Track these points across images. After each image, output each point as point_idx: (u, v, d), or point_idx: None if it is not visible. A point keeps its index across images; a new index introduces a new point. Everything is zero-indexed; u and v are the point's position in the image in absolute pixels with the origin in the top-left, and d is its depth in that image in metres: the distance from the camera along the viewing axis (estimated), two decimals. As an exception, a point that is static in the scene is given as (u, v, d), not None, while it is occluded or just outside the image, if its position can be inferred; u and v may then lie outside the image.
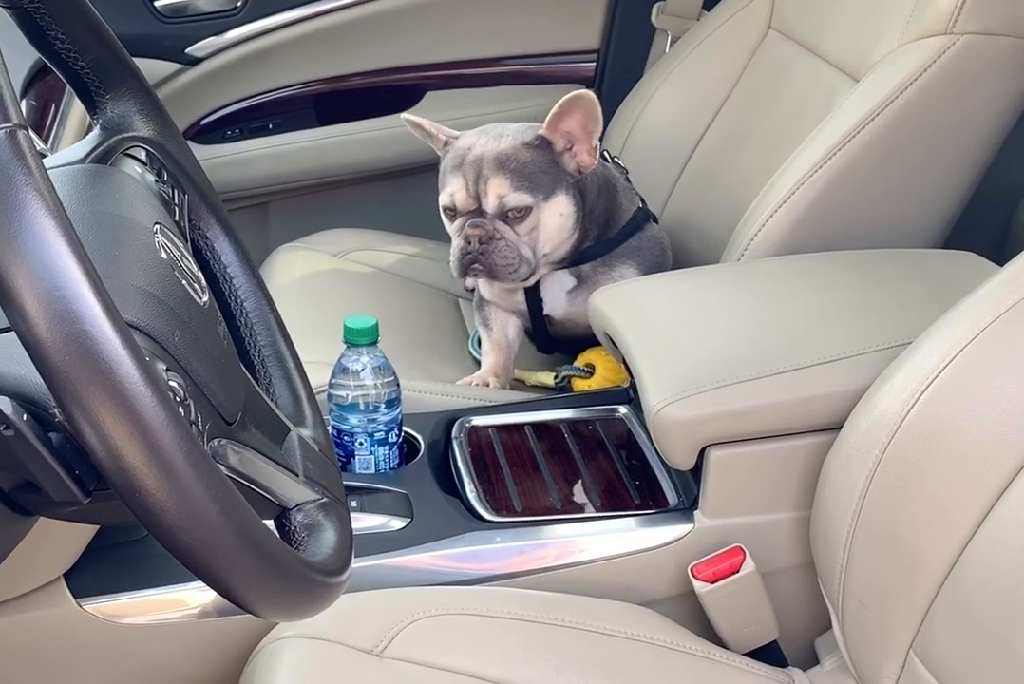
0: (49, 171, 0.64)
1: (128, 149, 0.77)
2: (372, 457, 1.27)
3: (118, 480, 0.54)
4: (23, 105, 1.49)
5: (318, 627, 1.06)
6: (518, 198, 1.44)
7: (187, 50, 1.95)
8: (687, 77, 1.87)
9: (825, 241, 1.39)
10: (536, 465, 1.29)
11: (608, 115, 1.96)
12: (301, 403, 0.83)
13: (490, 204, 1.44)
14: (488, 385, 1.54)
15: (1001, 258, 1.12)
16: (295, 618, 0.66)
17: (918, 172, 1.39)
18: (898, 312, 1.17)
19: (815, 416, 1.12)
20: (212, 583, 0.58)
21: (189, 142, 2.03)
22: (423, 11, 2.02)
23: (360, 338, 1.25)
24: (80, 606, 1.11)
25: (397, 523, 1.18)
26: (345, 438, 1.27)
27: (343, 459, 1.28)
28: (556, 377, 1.57)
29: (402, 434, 1.30)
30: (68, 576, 1.13)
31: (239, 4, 1.96)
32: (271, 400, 0.82)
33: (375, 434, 1.26)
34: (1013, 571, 0.91)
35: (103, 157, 0.75)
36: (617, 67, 2.08)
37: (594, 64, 2.11)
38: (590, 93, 1.43)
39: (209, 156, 2.03)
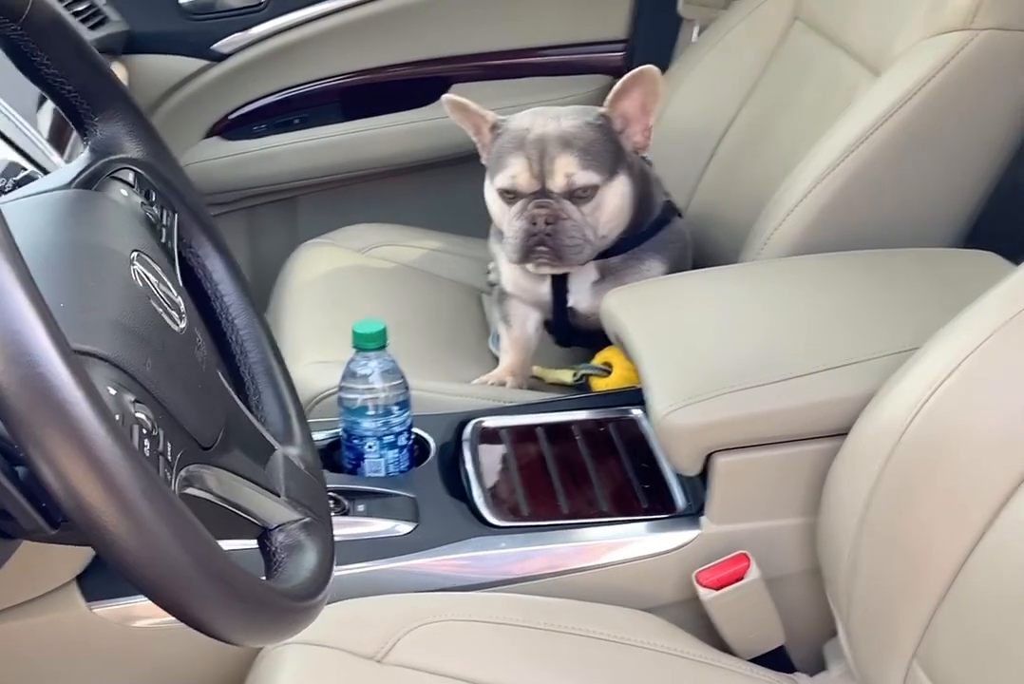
0: (33, 197, 0.65)
1: (115, 172, 0.78)
2: (382, 460, 1.28)
3: (77, 517, 0.54)
4: (48, 115, 1.50)
5: (320, 633, 1.06)
6: (586, 176, 1.41)
7: (213, 46, 1.97)
8: (714, 67, 1.85)
9: (843, 239, 1.37)
10: (545, 468, 1.28)
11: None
12: (290, 421, 0.83)
13: (557, 183, 1.41)
14: (504, 384, 1.53)
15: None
16: (268, 642, 0.67)
17: (937, 170, 1.37)
18: (909, 315, 1.16)
19: (822, 422, 1.11)
20: (176, 615, 0.59)
21: (217, 138, 2.08)
22: (447, 3, 2.02)
23: (368, 343, 1.26)
24: (91, 609, 1.12)
25: (403, 527, 1.19)
26: (355, 441, 1.27)
27: (353, 462, 1.28)
28: (574, 375, 1.57)
29: (412, 437, 1.30)
30: (80, 579, 1.15)
31: (264, 0, 1.97)
32: (260, 418, 0.83)
33: (384, 438, 1.27)
34: (1016, 580, 0.90)
35: (89, 181, 0.76)
36: (645, 57, 2.03)
37: (622, 54, 2.09)
38: (653, 69, 1.42)
39: (236, 151, 2.05)
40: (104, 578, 1.16)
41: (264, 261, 2.07)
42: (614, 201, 1.45)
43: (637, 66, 2.05)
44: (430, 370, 1.55)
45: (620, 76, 2.07)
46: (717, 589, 1.13)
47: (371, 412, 1.26)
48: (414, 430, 1.34)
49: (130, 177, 0.79)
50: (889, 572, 1.01)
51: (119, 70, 1.86)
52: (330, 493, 1.20)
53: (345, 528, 1.18)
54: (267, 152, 2.05)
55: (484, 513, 1.21)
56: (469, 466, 1.28)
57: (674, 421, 1.12)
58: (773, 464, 1.14)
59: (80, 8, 1.80)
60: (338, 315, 1.68)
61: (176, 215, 0.82)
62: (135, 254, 0.70)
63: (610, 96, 1.44)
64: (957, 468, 0.96)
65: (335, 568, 1.14)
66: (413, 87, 2.06)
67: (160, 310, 0.68)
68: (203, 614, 0.58)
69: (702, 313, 1.26)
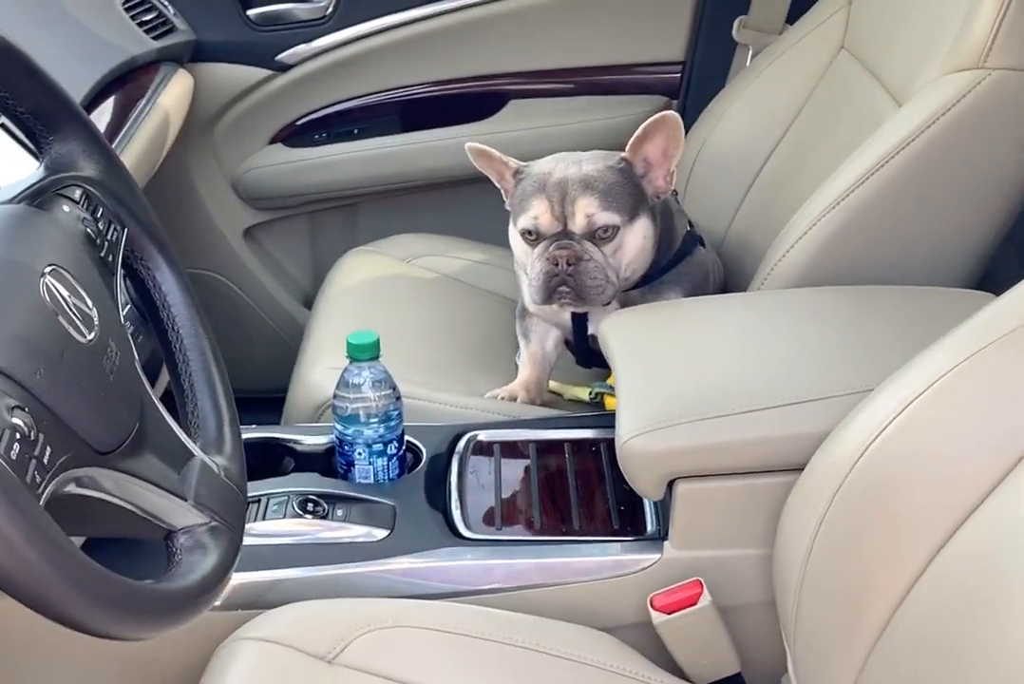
0: None
1: (62, 189, 0.83)
2: (371, 467, 1.32)
3: None
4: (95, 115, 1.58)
5: (278, 631, 1.11)
6: (607, 217, 1.43)
7: (278, 57, 2.04)
8: (761, 93, 1.87)
9: (848, 273, 1.38)
10: (527, 484, 1.32)
11: (689, 128, 1.98)
12: (223, 431, 0.88)
13: (578, 224, 1.43)
14: (515, 399, 1.56)
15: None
16: (136, 636, 0.71)
17: (945, 208, 1.37)
18: (882, 354, 1.16)
19: (780, 456, 1.12)
20: (29, 606, 0.64)
21: (279, 144, 2.15)
22: (507, 20, 2.05)
23: (361, 353, 1.30)
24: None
25: (377, 534, 1.23)
26: (346, 448, 1.32)
27: (344, 468, 1.33)
28: (590, 393, 1.60)
29: (403, 447, 1.35)
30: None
31: (328, 13, 2.03)
32: (193, 425, 0.88)
33: (373, 445, 1.31)
34: (946, 627, 0.91)
35: (34, 196, 0.82)
36: (701, 80, 2.08)
37: (678, 76, 2.11)
38: (675, 115, 1.43)
39: (297, 159, 2.12)
40: (101, 556, 1.22)
41: (325, 265, 2.12)
42: (635, 242, 1.46)
43: (695, 89, 2.11)
44: (447, 381, 1.60)
45: (675, 97, 2.13)
46: (669, 613, 1.15)
47: (361, 420, 1.31)
48: (409, 439, 1.38)
49: (77, 194, 0.84)
50: (828, 611, 1.02)
51: (184, 78, 1.94)
52: (312, 496, 1.27)
53: (320, 531, 1.24)
54: (326, 160, 2.12)
55: (458, 524, 1.25)
56: (453, 477, 1.32)
57: (635, 446, 1.14)
58: (733, 494, 1.15)
59: (148, 17, 1.88)
60: (369, 323, 1.72)
61: (125, 230, 0.87)
62: (50, 268, 0.75)
63: (632, 141, 1.45)
64: (896, 511, 0.96)
65: (305, 570, 1.20)
66: (471, 102, 2.10)
67: (65, 322, 0.73)
68: (54, 607, 0.63)
69: (684, 340, 1.28)
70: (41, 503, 0.65)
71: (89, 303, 0.77)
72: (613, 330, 1.33)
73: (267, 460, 1.41)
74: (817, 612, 1.04)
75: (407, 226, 2.09)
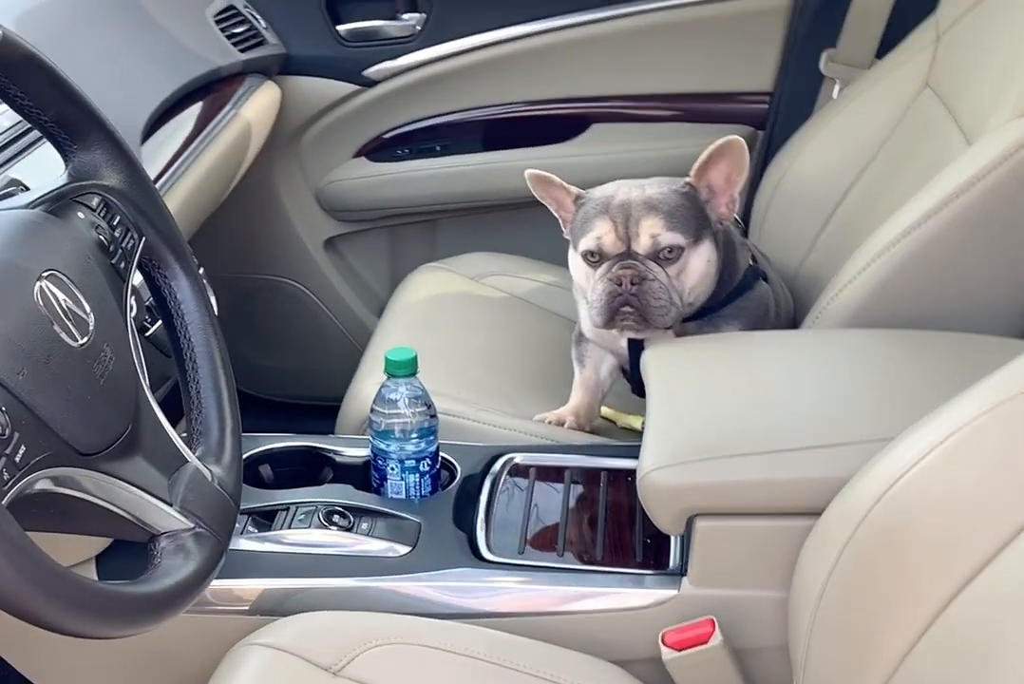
0: None
1: (80, 196, 0.86)
2: (403, 483, 1.33)
3: None
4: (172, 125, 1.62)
5: (287, 639, 1.13)
6: (672, 237, 1.41)
7: (364, 72, 2.07)
8: (844, 127, 1.84)
9: (898, 317, 1.35)
10: (557, 510, 1.31)
11: (772, 159, 1.96)
12: (224, 441, 0.90)
13: (642, 245, 1.41)
14: (563, 424, 1.56)
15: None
16: (103, 636, 0.72)
17: (1004, 254, 1.33)
18: (915, 401, 1.13)
19: (800, 499, 1.10)
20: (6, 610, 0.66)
21: (363, 158, 2.19)
22: (596, 44, 2.06)
23: (398, 370, 1.31)
24: (101, 589, 1.22)
25: (398, 550, 1.24)
26: (379, 462, 1.33)
27: (378, 482, 1.34)
28: (643, 423, 1.59)
29: (437, 464, 1.35)
30: (99, 558, 1.24)
31: (416, 31, 2.06)
32: (196, 432, 0.90)
33: (406, 462, 1.32)
34: (954, 676, 0.89)
35: (52, 202, 0.84)
36: (788, 111, 2.06)
37: (766, 106, 2.09)
38: (740, 141, 1.42)
39: (379, 173, 2.15)
40: (122, 560, 1.25)
41: (402, 278, 2.15)
42: (699, 266, 1.44)
43: (781, 120, 2.09)
44: (495, 401, 1.60)
45: (762, 128, 2.11)
46: (679, 650, 1.14)
47: (395, 436, 1.31)
48: (445, 457, 1.39)
49: (94, 202, 0.87)
50: (838, 654, 1.00)
51: (271, 90, 1.98)
52: (339, 508, 1.28)
53: (343, 543, 1.25)
54: (408, 175, 2.14)
55: (480, 545, 1.25)
56: (483, 498, 1.32)
57: (655, 479, 1.13)
58: (753, 535, 1.14)
59: (240, 30, 1.93)
60: (428, 339, 1.74)
61: (143, 239, 0.89)
62: (47, 273, 0.77)
63: (696, 166, 1.44)
64: (909, 559, 0.94)
65: (324, 580, 1.21)
66: (553, 123, 2.11)
67: (56, 326, 0.75)
68: (24, 609, 0.65)
69: (721, 376, 1.26)
70: (5, 500, 0.66)
71: (87, 308, 0.79)
72: (653, 361, 1.32)
73: (307, 468, 1.43)
74: (826, 656, 1.02)
75: (486, 244, 2.10)
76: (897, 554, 0.95)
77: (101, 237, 0.85)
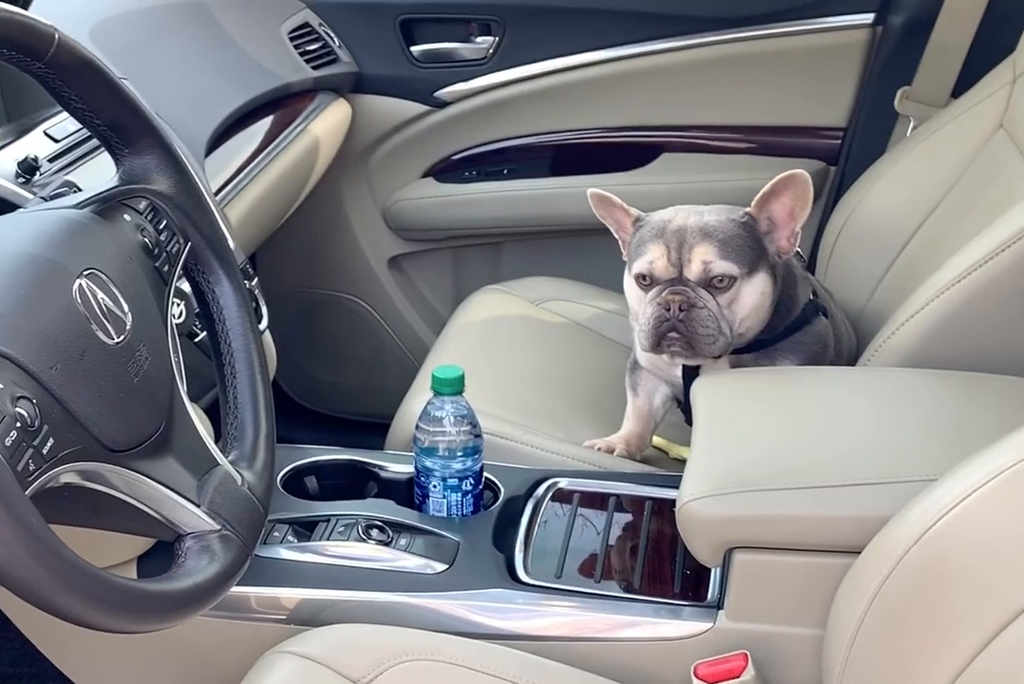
0: (42, 211, 0.75)
1: (128, 199, 0.87)
2: (444, 501, 1.33)
3: None
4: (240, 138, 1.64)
5: (317, 648, 1.12)
6: (724, 266, 1.40)
7: (435, 93, 2.09)
8: (916, 166, 1.82)
9: (957, 357, 1.32)
10: (597, 537, 1.30)
11: (842, 196, 1.94)
12: (257, 447, 0.90)
13: (693, 271, 1.41)
14: (613, 452, 1.55)
15: None
16: (124, 631, 0.73)
17: (1067, 298, 1.31)
18: (962, 443, 1.10)
19: (839, 537, 1.09)
20: (26, 599, 0.67)
21: (430, 178, 2.20)
22: (669, 73, 2.06)
23: (445, 388, 1.31)
24: (139, 589, 1.23)
25: (435, 567, 1.23)
26: (422, 479, 1.33)
27: (420, 499, 1.34)
28: (694, 451, 1.57)
29: (481, 484, 1.35)
30: (141, 560, 1.25)
31: (489, 54, 2.07)
32: (231, 437, 0.90)
33: (448, 480, 1.32)
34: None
35: (100, 203, 0.86)
36: (860, 148, 2.04)
37: (838, 142, 2.07)
38: (805, 175, 1.40)
39: (446, 194, 2.16)
40: (163, 561, 1.26)
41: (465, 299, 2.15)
42: (752, 298, 1.43)
43: (854, 156, 2.07)
44: (546, 425, 1.59)
45: (834, 163, 2.09)
46: (711, 683, 1.12)
47: (439, 454, 1.31)
48: (490, 478, 1.38)
49: (142, 205, 0.88)
50: (867, 700, 0.98)
51: (342, 107, 2.00)
52: (379, 523, 1.28)
53: (380, 558, 1.25)
54: (474, 197, 2.15)
55: (517, 567, 1.24)
56: (524, 521, 1.31)
57: (694, 509, 1.12)
58: (791, 570, 1.12)
59: (313, 47, 1.95)
60: (482, 359, 1.74)
61: (188, 244, 0.90)
62: (88, 271, 0.78)
63: (758, 197, 1.43)
64: (942, 603, 0.92)
65: (359, 593, 1.21)
66: (622, 151, 2.11)
67: (92, 323, 0.76)
68: (21, 586, 0.65)
69: (769, 409, 1.25)
70: (29, 491, 0.67)
71: (125, 308, 0.80)
72: (703, 391, 1.31)
73: (352, 482, 1.43)
74: (855, 701, 1.00)
75: (548, 268, 2.10)
76: (933, 596, 0.93)
77: (146, 239, 0.86)
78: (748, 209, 1.44)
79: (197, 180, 0.93)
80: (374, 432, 1.89)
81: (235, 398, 0.91)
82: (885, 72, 1.99)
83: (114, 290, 0.79)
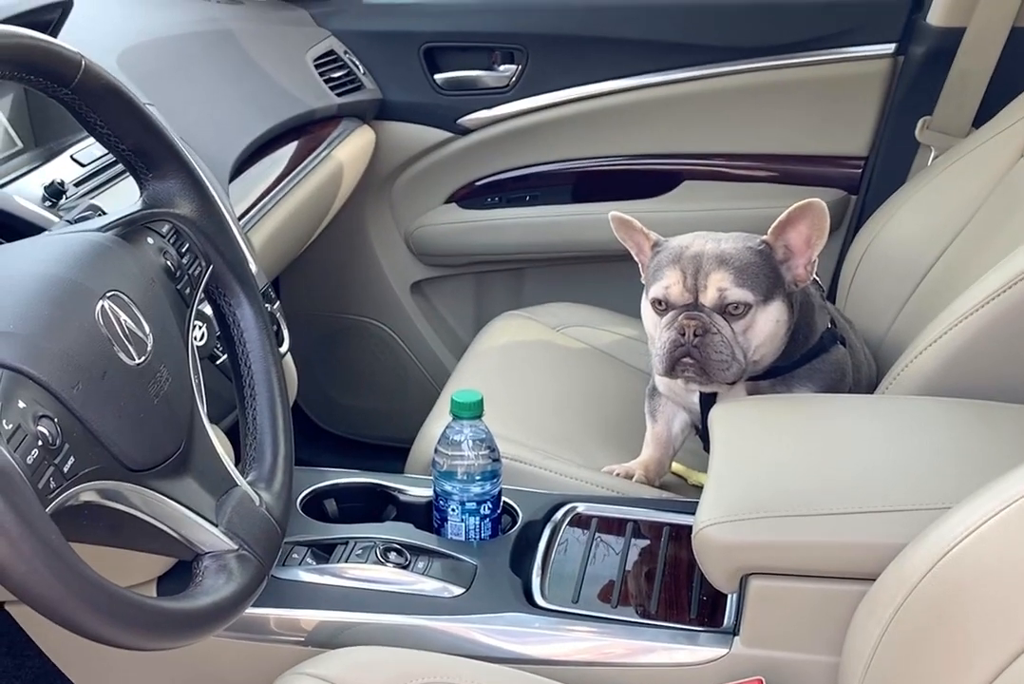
0: (66, 235, 0.77)
1: (151, 222, 0.89)
2: (463, 525, 1.33)
3: None
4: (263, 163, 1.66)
5: (333, 670, 1.13)
6: (739, 294, 1.41)
7: (458, 121, 2.11)
8: (936, 196, 1.82)
9: (975, 386, 1.32)
10: (615, 562, 1.30)
11: (862, 224, 1.95)
12: (276, 469, 0.91)
13: (709, 298, 1.41)
14: (631, 477, 1.55)
15: None
16: (141, 648, 0.74)
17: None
18: (979, 472, 1.11)
19: (854, 564, 1.09)
20: (29, 605, 0.68)
21: (454, 204, 2.22)
22: (690, 102, 2.08)
23: (464, 412, 1.32)
24: (158, 608, 1.24)
25: (452, 590, 1.24)
26: (441, 503, 1.34)
27: (439, 522, 1.35)
28: (711, 479, 1.57)
29: (499, 508, 1.35)
30: (161, 580, 1.26)
31: (511, 82, 2.09)
32: (250, 458, 0.91)
33: (466, 504, 1.32)
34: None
35: (124, 226, 0.87)
36: (881, 177, 2.05)
37: (859, 171, 2.08)
38: (821, 203, 1.41)
39: (469, 220, 2.18)
40: (182, 582, 1.26)
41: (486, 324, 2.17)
42: (767, 326, 1.43)
43: (875, 186, 2.07)
44: (565, 451, 1.60)
45: (855, 192, 2.10)
46: (725, 710, 1.12)
47: (457, 477, 1.32)
48: (508, 502, 1.39)
49: (165, 228, 0.89)
50: (882, 727, 0.98)
51: (366, 133, 2.02)
52: (397, 545, 1.28)
53: (397, 580, 1.25)
54: (497, 223, 2.17)
55: (535, 591, 1.24)
56: (542, 545, 1.32)
57: (709, 535, 1.12)
58: (807, 597, 1.12)
59: (338, 74, 1.98)
60: (503, 384, 1.75)
61: (211, 267, 0.92)
62: (110, 293, 0.80)
63: (775, 225, 1.43)
64: (956, 631, 0.92)
65: (377, 616, 1.22)
66: (644, 178, 2.12)
67: (114, 344, 0.78)
68: (39, 602, 0.66)
69: (786, 436, 1.25)
70: (50, 508, 0.68)
71: (147, 330, 0.81)
72: (720, 417, 1.32)
73: (371, 505, 1.44)
74: (871, 728, 1.00)
75: (570, 294, 2.11)
76: (947, 624, 0.93)
77: (168, 262, 0.88)
78: (765, 237, 1.45)
79: (220, 204, 0.95)
80: (394, 456, 1.90)
81: (254, 420, 0.92)
82: (906, 101, 2.00)
83: (136, 312, 0.81)
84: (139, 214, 0.89)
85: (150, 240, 0.88)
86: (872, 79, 2.04)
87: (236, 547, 0.82)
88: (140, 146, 0.90)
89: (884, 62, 2.03)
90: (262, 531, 0.86)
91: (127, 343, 0.79)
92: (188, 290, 0.89)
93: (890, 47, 2.02)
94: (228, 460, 0.87)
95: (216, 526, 0.82)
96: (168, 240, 0.89)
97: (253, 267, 1.25)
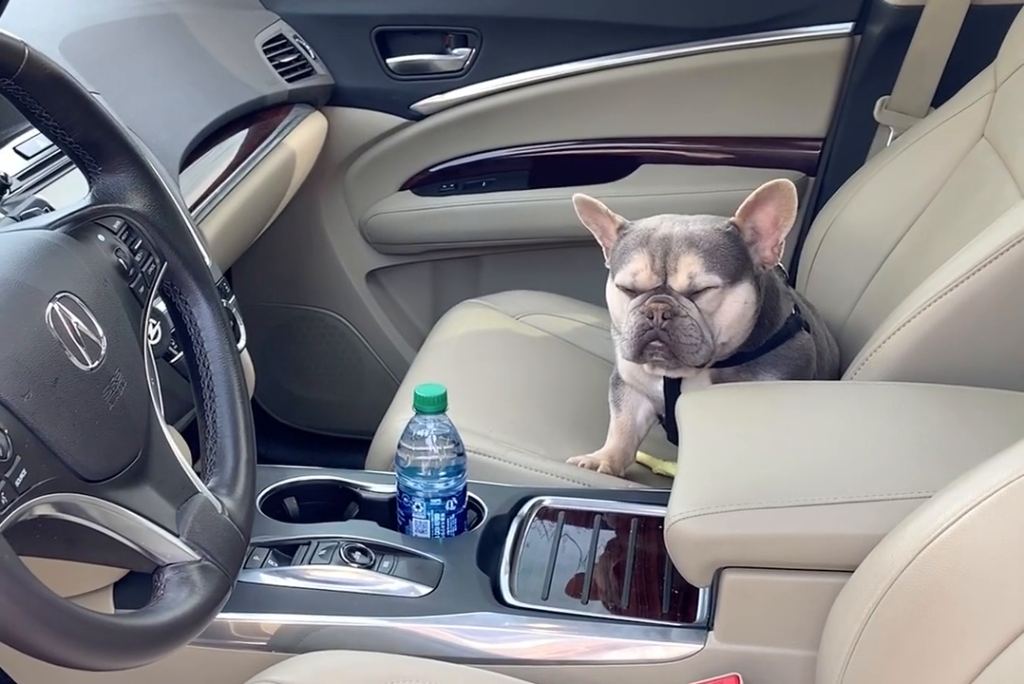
0: (9, 233, 0.72)
1: (102, 218, 0.84)
2: (428, 522, 1.30)
3: None
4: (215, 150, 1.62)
5: (299, 677, 1.10)
6: (709, 278, 1.39)
7: (412, 106, 2.07)
8: (896, 176, 1.81)
9: (943, 370, 1.31)
10: (584, 556, 1.28)
11: (822, 206, 1.93)
12: (238, 472, 0.87)
13: (678, 281, 1.39)
14: (596, 468, 1.53)
15: None
16: (98, 669, 0.70)
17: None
18: (952, 459, 1.09)
19: (830, 555, 1.07)
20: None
21: (408, 191, 2.18)
22: (647, 84, 2.05)
23: (427, 406, 1.29)
24: (115, 616, 1.19)
25: (419, 590, 1.21)
26: (405, 500, 1.31)
27: (403, 519, 1.32)
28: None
29: (464, 504, 1.32)
30: (117, 586, 1.22)
31: (465, 66, 2.05)
32: (210, 462, 0.88)
33: (431, 500, 1.29)
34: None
35: (73, 223, 0.83)
36: (840, 158, 2.03)
37: (818, 152, 2.06)
38: (789, 184, 1.39)
39: (424, 207, 2.14)
40: (139, 588, 1.22)
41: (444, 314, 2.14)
42: (735, 307, 1.41)
43: (833, 166, 2.06)
44: (529, 443, 1.57)
45: (814, 174, 2.08)
46: (701, 706, 1.10)
47: (421, 473, 1.29)
48: (474, 497, 1.36)
49: (116, 224, 0.85)
50: (863, 721, 0.96)
51: (318, 120, 1.97)
52: (362, 545, 1.25)
53: (363, 581, 1.22)
54: (453, 210, 2.13)
55: (503, 589, 1.21)
56: (509, 541, 1.29)
57: (682, 529, 1.10)
58: (782, 590, 1.10)
59: (288, 60, 1.93)
60: (463, 375, 1.72)
61: (165, 264, 0.88)
62: (61, 295, 0.76)
63: (742, 206, 1.41)
64: (938, 626, 0.91)
65: (342, 618, 1.19)
66: (601, 163, 2.09)
67: (66, 348, 0.74)
68: (12, 634, 0.63)
69: (756, 425, 1.23)
70: (2, 525, 0.65)
71: (100, 332, 0.77)
72: (688, 407, 1.29)
73: (333, 503, 1.40)
74: (852, 722, 0.98)
75: (528, 281, 2.08)
76: (928, 618, 0.91)
77: (121, 260, 0.84)
78: (733, 219, 1.43)
79: (173, 198, 0.91)
80: (353, 448, 1.87)
81: (214, 423, 0.88)
82: (864, 82, 1.98)
83: (88, 314, 0.77)
84: (89, 210, 0.85)
85: (101, 237, 0.84)
86: (830, 59, 2.02)
87: (199, 558, 0.79)
88: (88, 138, 0.86)
89: (841, 42, 2.01)
90: (225, 540, 0.82)
91: (80, 347, 0.75)
92: (142, 289, 0.85)
93: (847, 26, 2.00)
94: (188, 466, 0.83)
95: (177, 536, 0.79)
96: (120, 237, 0.85)
97: (208, 261, 1.21)
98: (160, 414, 0.83)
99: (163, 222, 0.89)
